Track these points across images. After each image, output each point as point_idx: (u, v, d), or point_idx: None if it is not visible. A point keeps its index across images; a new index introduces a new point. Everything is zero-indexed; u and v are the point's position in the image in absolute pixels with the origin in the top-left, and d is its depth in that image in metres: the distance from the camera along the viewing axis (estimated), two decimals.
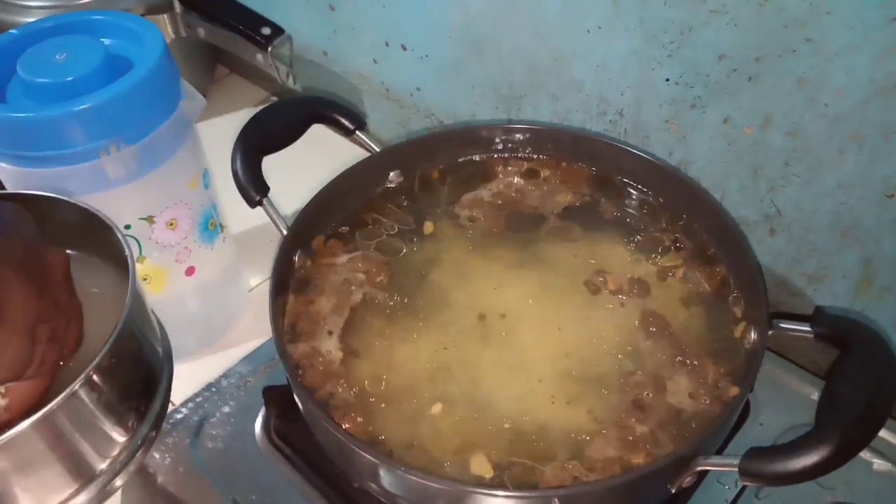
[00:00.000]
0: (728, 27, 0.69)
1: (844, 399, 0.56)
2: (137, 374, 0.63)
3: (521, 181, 0.85)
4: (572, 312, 0.73)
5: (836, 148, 0.70)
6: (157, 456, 0.76)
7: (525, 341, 0.71)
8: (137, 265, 0.68)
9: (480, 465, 0.62)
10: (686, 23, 0.72)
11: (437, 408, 0.66)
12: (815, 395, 0.79)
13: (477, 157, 0.87)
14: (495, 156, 0.87)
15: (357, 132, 0.83)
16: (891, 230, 0.71)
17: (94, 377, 0.56)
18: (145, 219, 0.74)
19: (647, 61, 0.77)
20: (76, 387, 0.55)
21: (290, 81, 1.00)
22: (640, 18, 0.75)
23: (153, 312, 0.69)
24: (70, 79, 0.67)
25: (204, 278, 0.83)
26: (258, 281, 0.96)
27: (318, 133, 0.84)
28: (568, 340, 0.71)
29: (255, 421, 0.79)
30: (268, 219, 0.75)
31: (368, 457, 0.60)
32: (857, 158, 0.69)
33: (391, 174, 0.85)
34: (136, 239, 0.74)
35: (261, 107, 0.82)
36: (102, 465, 0.60)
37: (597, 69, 0.82)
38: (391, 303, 0.74)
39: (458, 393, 0.68)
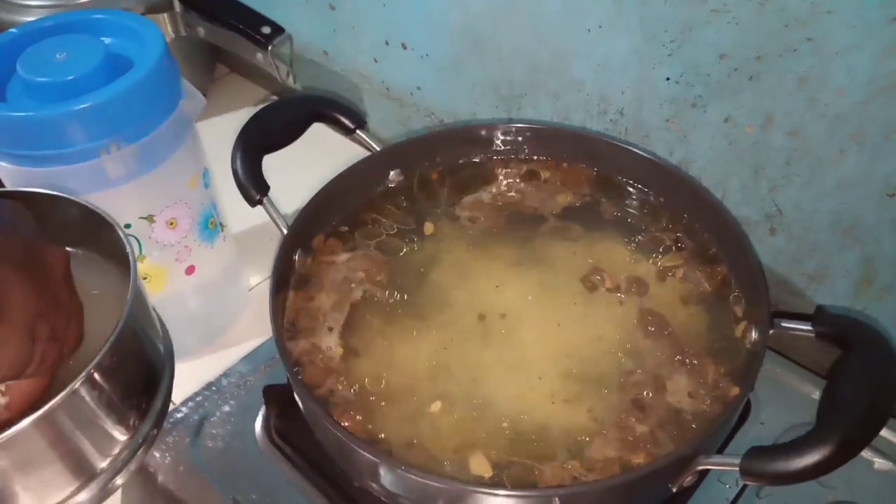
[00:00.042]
0: (729, 26, 0.69)
1: (846, 398, 0.56)
2: (139, 372, 0.63)
3: (522, 182, 0.85)
4: (572, 311, 0.73)
5: (837, 147, 0.70)
6: (157, 455, 0.76)
7: (525, 340, 0.71)
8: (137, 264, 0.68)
9: (479, 465, 0.62)
10: (687, 22, 0.72)
11: (436, 406, 0.66)
12: (816, 395, 0.78)
13: (477, 157, 0.87)
14: (495, 156, 0.87)
15: (357, 131, 0.83)
16: (891, 230, 0.71)
17: (96, 375, 0.56)
18: (145, 218, 0.74)
19: (648, 60, 0.77)
20: (77, 385, 0.54)
21: (291, 80, 0.99)
22: (640, 17, 0.75)
23: (154, 310, 0.69)
24: (70, 78, 0.67)
25: (204, 277, 0.83)
26: (258, 280, 0.96)
27: (318, 132, 0.84)
28: (567, 339, 0.71)
29: (255, 420, 0.79)
30: (268, 218, 0.75)
31: (368, 455, 0.60)
32: (857, 158, 0.69)
33: (391, 173, 0.85)
34: (136, 238, 0.74)
35: (261, 106, 0.82)
36: (103, 464, 0.60)
37: (597, 68, 0.82)
38: (391, 301, 0.74)
39: (457, 392, 0.67)
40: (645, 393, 0.66)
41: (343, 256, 0.78)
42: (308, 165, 0.86)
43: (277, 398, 0.78)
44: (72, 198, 0.65)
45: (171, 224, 0.76)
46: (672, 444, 0.63)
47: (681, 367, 0.68)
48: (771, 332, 0.65)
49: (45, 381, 0.57)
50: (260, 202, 0.75)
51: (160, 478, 0.75)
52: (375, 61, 1.05)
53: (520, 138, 0.86)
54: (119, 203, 0.70)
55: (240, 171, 0.76)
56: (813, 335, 0.64)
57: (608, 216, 0.81)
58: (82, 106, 0.65)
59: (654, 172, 0.81)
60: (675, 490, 0.61)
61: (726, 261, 0.75)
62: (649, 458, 0.61)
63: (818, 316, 0.64)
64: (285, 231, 0.74)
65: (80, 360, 0.59)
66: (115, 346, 0.57)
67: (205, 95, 0.78)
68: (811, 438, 0.54)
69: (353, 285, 0.75)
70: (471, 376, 0.69)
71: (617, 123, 0.84)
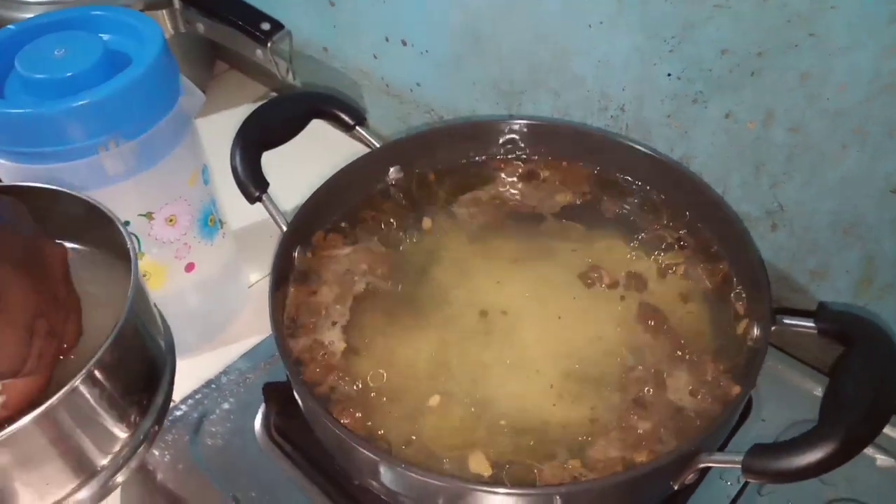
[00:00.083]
0: (730, 22, 0.69)
1: (849, 396, 0.56)
2: (140, 369, 0.63)
3: (522, 180, 0.85)
4: (572, 308, 0.73)
5: (839, 144, 0.69)
6: (156, 453, 0.76)
7: (525, 338, 0.71)
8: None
9: (479, 463, 0.62)
10: (688, 18, 0.71)
11: (434, 400, 0.66)
12: (818, 391, 0.78)
13: (477, 154, 0.87)
14: (495, 154, 0.86)
15: (357, 128, 0.82)
16: (892, 229, 0.71)
17: (96, 372, 0.56)
18: (144, 215, 0.74)
19: (649, 57, 0.77)
20: (77, 382, 0.54)
21: (290, 77, 0.99)
22: (641, 14, 0.74)
23: (155, 306, 0.69)
24: (68, 75, 0.66)
25: (203, 274, 0.83)
26: (258, 277, 0.96)
27: (317, 129, 0.83)
28: (568, 337, 0.71)
29: (254, 418, 0.79)
30: (268, 214, 0.75)
31: (368, 453, 0.60)
32: (859, 155, 0.69)
33: (391, 170, 0.84)
34: (135, 235, 0.74)
35: (260, 102, 0.82)
36: (104, 461, 0.60)
37: (598, 65, 0.81)
38: (394, 292, 0.74)
39: (458, 390, 0.67)
40: (646, 390, 0.66)
41: (345, 250, 0.78)
42: (307, 162, 0.86)
43: (277, 396, 0.78)
44: (72, 193, 0.65)
45: (171, 221, 0.76)
46: (674, 441, 0.63)
47: (681, 364, 0.68)
48: (773, 328, 0.64)
49: (42, 379, 0.57)
50: (259, 199, 0.75)
51: (159, 476, 0.75)
52: (375, 58, 1.05)
53: (520, 135, 0.85)
54: (118, 200, 0.70)
55: (239, 168, 0.76)
56: (815, 332, 0.64)
57: (609, 214, 0.81)
58: (81, 103, 0.65)
59: (654, 169, 0.80)
60: (676, 487, 0.61)
61: (727, 257, 0.75)
62: (651, 455, 0.61)
63: (821, 312, 0.64)
64: (284, 228, 0.74)
65: (79, 357, 0.59)
66: (116, 343, 0.57)
67: (204, 92, 0.77)
68: (814, 436, 0.54)
69: (355, 278, 0.75)
70: (471, 374, 0.68)
71: (618, 120, 0.84)
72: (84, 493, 0.59)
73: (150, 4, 0.99)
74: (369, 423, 0.65)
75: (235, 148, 0.76)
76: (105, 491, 0.60)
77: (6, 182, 0.69)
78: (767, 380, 0.76)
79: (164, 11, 1.00)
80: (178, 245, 0.78)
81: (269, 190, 0.76)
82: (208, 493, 0.74)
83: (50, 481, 0.58)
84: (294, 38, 0.97)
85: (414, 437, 0.64)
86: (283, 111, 0.82)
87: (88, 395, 0.56)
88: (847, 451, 0.53)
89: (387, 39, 1.01)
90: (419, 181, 0.84)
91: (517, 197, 0.83)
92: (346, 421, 0.64)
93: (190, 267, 0.81)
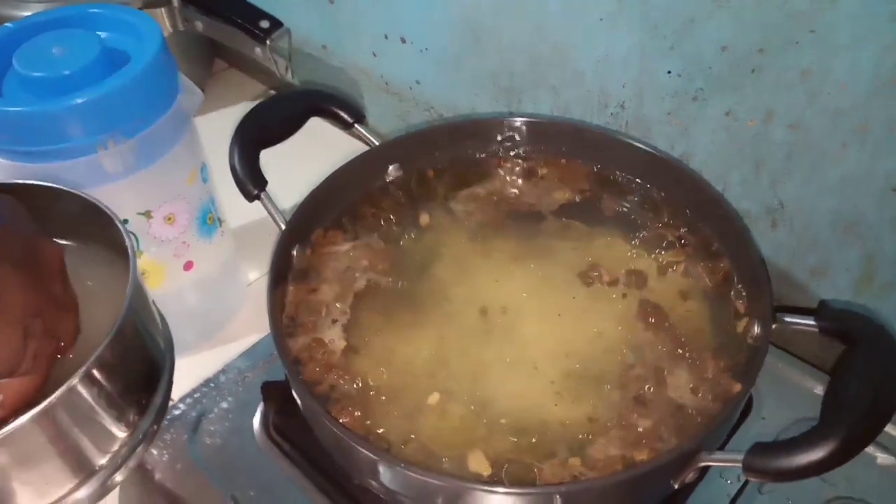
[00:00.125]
0: (731, 19, 0.69)
1: (850, 394, 0.56)
2: (138, 367, 0.63)
3: (521, 177, 0.85)
4: (572, 306, 0.73)
5: (839, 142, 0.69)
6: (154, 452, 0.76)
7: (525, 336, 0.71)
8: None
9: (478, 463, 0.62)
10: (689, 14, 0.71)
11: (434, 398, 0.66)
12: (818, 389, 0.78)
13: (476, 152, 0.86)
14: (495, 151, 0.86)
15: (356, 125, 0.82)
16: (892, 228, 0.71)
17: (95, 371, 0.56)
18: (143, 213, 0.74)
19: (650, 54, 0.76)
20: (75, 381, 0.54)
21: (289, 75, 0.99)
22: (642, 10, 0.74)
23: (154, 304, 0.68)
24: (67, 73, 0.66)
25: (202, 273, 0.83)
26: (257, 275, 0.96)
27: (316, 127, 0.83)
28: (568, 335, 0.70)
29: (253, 416, 0.79)
30: (266, 213, 0.75)
31: (366, 453, 0.59)
32: (859, 153, 0.69)
33: (390, 168, 0.84)
34: (133, 234, 0.74)
35: (259, 101, 0.81)
36: (103, 461, 0.60)
37: (598, 62, 0.81)
38: (395, 290, 0.74)
39: (457, 389, 0.67)
40: (646, 387, 0.66)
41: (345, 246, 0.77)
42: (306, 160, 0.86)
43: (276, 394, 0.78)
44: (71, 190, 0.65)
45: (169, 219, 0.76)
46: (675, 439, 0.62)
47: (682, 362, 0.68)
48: (773, 326, 0.64)
49: (39, 379, 0.56)
50: (258, 197, 0.75)
51: (158, 475, 0.75)
52: (374, 55, 1.05)
53: (519, 132, 0.85)
54: (116, 198, 0.69)
55: (237, 166, 0.75)
56: (816, 330, 0.63)
57: (609, 211, 0.81)
58: (79, 101, 0.65)
59: (654, 166, 0.80)
60: (676, 486, 0.61)
61: (728, 255, 0.74)
62: (652, 454, 0.61)
63: (821, 311, 0.63)
64: (283, 226, 0.74)
65: (77, 356, 0.59)
66: (114, 341, 0.56)
67: (203, 90, 0.77)
68: (815, 435, 0.54)
69: (356, 275, 0.75)
70: (471, 372, 0.68)
71: (618, 117, 0.84)
72: (83, 493, 0.59)
73: (148, 2, 0.99)
74: (368, 422, 0.65)
75: (234, 146, 0.76)
76: (104, 490, 0.60)
77: (4, 180, 0.69)
78: (767, 378, 0.76)
79: (162, 9, 1.00)
80: (177, 243, 0.78)
81: (268, 188, 0.75)
82: (207, 493, 0.74)
83: (49, 480, 0.57)
84: (293, 36, 0.97)
85: (413, 436, 0.64)
86: (282, 109, 0.82)
87: (87, 394, 0.56)
88: (848, 451, 0.53)
89: (386, 37, 1.00)
90: (418, 178, 0.84)
91: (517, 195, 0.83)
92: (344, 420, 0.64)
93: (188, 265, 0.81)
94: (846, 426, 0.53)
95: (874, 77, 0.64)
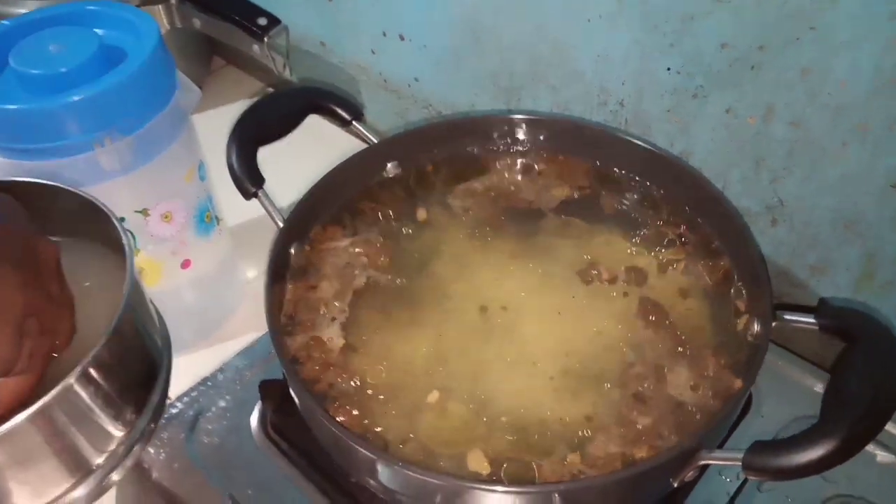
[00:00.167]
0: (731, 15, 0.69)
1: (850, 392, 0.55)
2: (135, 366, 0.63)
3: (520, 174, 0.85)
4: (572, 304, 0.72)
5: (839, 140, 0.69)
6: (151, 451, 0.76)
7: (525, 334, 0.71)
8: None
9: (477, 462, 0.62)
10: (688, 11, 0.71)
11: (433, 396, 0.66)
12: (818, 387, 0.78)
13: (475, 150, 0.86)
14: (494, 148, 0.86)
15: (354, 123, 0.82)
16: (893, 227, 0.71)
17: (91, 369, 0.55)
18: (140, 211, 0.74)
19: (649, 51, 0.76)
20: (72, 380, 0.54)
21: (287, 72, 0.99)
22: (641, 7, 0.74)
23: (151, 302, 0.68)
24: (64, 70, 0.66)
25: (200, 271, 0.82)
26: (255, 273, 0.95)
27: (314, 124, 0.83)
28: (568, 332, 0.70)
29: (251, 415, 0.78)
30: (264, 211, 0.74)
31: (364, 452, 0.59)
32: (859, 151, 0.69)
33: (389, 165, 0.84)
34: (130, 232, 0.74)
35: (257, 98, 0.81)
36: (99, 460, 0.60)
37: (597, 59, 0.81)
38: (394, 287, 0.74)
39: (456, 387, 0.67)
40: (646, 385, 0.66)
41: (344, 242, 0.77)
42: (304, 158, 0.85)
43: (274, 393, 0.78)
44: (68, 188, 0.64)
45: (167, 217, 0.76)
46: (674, 437, 0.62)
47: (682, 360, 0.68)
48: (773, 324, 0.64)
49: (34, 378, 0.56)
50: (255, 195, 0.75)
51: (155, 474, 0.75)
52: (373, 52, 1.04)
53: (519, 129, 0.85)
54: (114, 196, 0.69)
55: (235, 164, 0.75)
56: (816, 328, 0.63)
57: (608, 209, 0.81)
58: (76, 98, 0.65)
59: (654, 164, 0.80)
60: (676, 484, 0.61)
61: (728, 253, 0.74)
62: (651, 451, 0.61)
63: (822, 308, 0.63)
64: (280, 224, 0.74)
65: (74, 355, 0.59)
66: (111, 340, 0.56)
67: (200, 88, 0.77)
68: (815, 433, 0.54)
69: (356, 271, 0.75)
70: (470, 370, 0.68)
71: (617, 115, 0.84)
72: (80, 492, 0.59)
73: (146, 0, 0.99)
74: (367, 421, 0.64)
75: (231, 144, 0.76)
76: (101, 489, 0.60)
77: (1, 178, 0.69)
78: (767, 376, 0.75)
79: (160, 6, 1.00)
80: (174, 241, 0.78)
81: (266, 186, 0.75)
82: (204, 492, 0.74)
83: (45, 479, 0.57)
84: (291, 33, 0.97)
85: (412, 435, 0.64)
86: (280, 107, 0.82)
87: (83, 393, 0.56)
88: (848, 449, 0.53)
89: (384, 34, 1.00)
90: (417, 175, 0.84)
91: (516, 192, 0.83)
92: (342, 419, 0.64)
93: (186, 263, 0.80)
94: (846, 424, 0.53)
95: (874, 75, 0.64)
